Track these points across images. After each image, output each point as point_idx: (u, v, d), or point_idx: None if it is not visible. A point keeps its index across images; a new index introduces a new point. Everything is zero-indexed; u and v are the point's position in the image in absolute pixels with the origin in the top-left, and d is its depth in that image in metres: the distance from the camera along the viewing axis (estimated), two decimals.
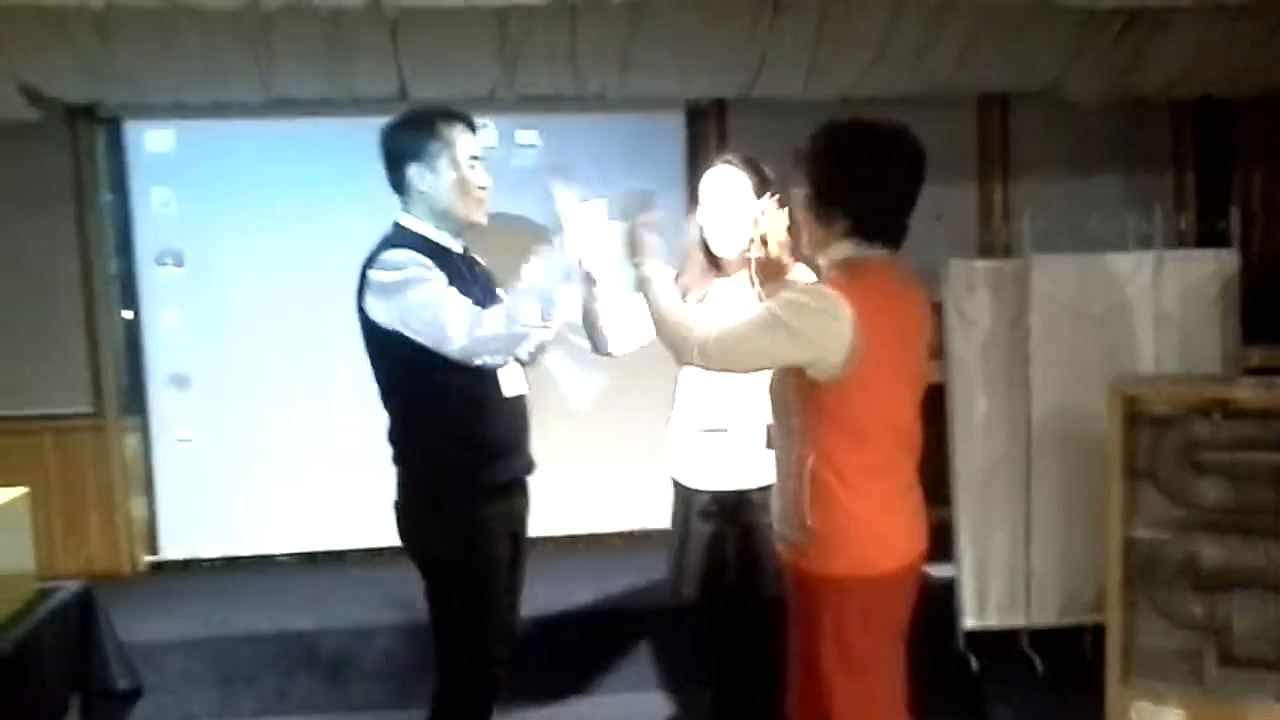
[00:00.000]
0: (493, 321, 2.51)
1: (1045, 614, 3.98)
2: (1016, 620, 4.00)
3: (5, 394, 4.67)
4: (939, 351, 4.22)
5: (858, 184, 2.22)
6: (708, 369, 2.37)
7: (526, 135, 4.94)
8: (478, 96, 4.48)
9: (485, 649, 2.66)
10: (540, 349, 2.71)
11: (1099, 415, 3.48)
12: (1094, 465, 3.63)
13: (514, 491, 2.74)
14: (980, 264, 4.10)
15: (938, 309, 4.07)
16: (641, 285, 2.42)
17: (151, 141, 4.76)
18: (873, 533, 2.29)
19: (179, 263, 4.79)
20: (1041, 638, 3.96)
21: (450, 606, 2.64)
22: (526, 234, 4.76)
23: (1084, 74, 4.43)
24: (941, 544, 4.26)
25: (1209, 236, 4.43)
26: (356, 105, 4.47)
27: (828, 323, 2.17)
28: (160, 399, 4.81)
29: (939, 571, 4.25)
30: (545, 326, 2.56)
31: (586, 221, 2.61)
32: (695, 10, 3.65)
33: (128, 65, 4.10)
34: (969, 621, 4.00)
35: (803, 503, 2.28)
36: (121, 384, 4.82)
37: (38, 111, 4.34)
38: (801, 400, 2.27)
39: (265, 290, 4.76)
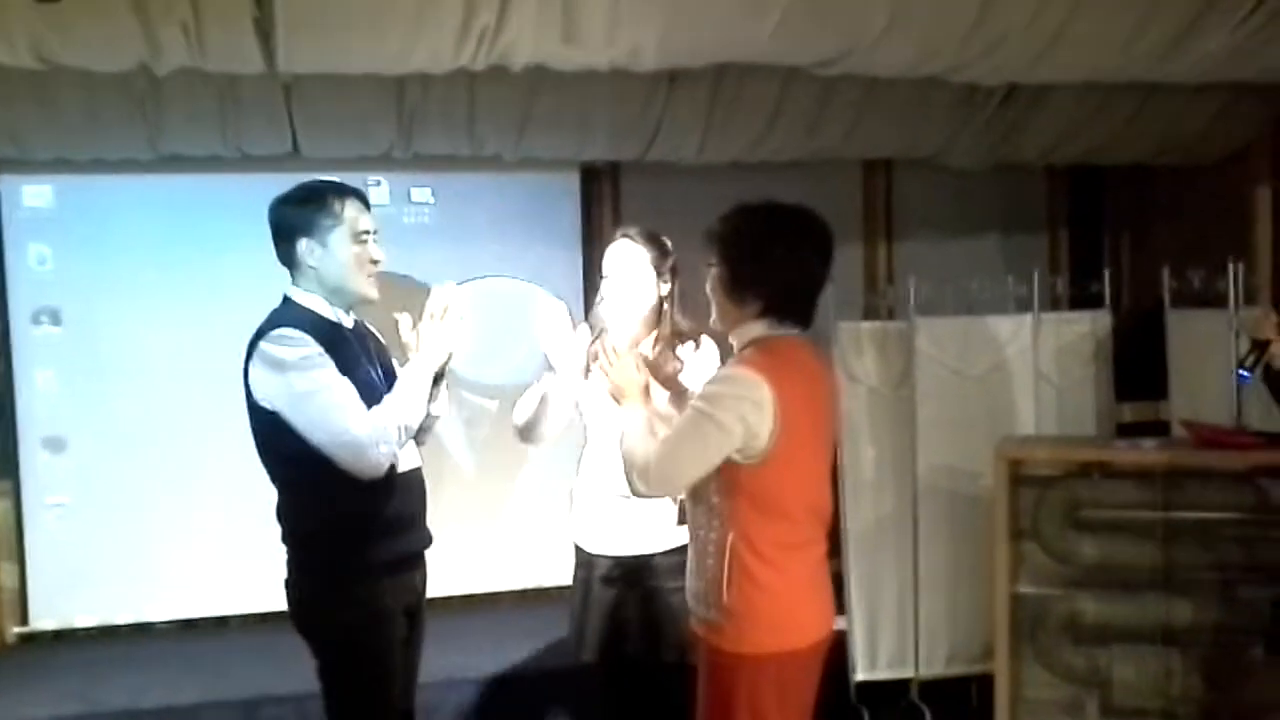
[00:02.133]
0: (384, 420, 2.47)
1: (934, 665, 4.09)
2: (906, 671, 4.09)
3: None
4: None
5: (771, 267, 2.27)
6: (652, 495, 2.37)
7: (421, 193, 4.93)
8: (372, 156, 4.45)
9: None
10: (428, 430, 2.71)
11: (982, 473, 3.60)
12: (979, 521, 3.76)
13: (411, 567, 2.69)
14: (867, 325, 4.22)
15: None
16: (623, 420, 2.42)
17: (29, 196, 4.60)
18: (789, 609, 2.32)
19: (56, 321, 4.62)
20: (930, 688, 4.06)
21: (345, 687, 2.56)
22: (417, 294, 4.77)
23: (965, 143, 4.61)
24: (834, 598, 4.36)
25: (1082, 298, 4.64)
26: (247, 163, 4.40)
27: (750, 409, 2.20)
28: (33, 461, 4.61)
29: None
30: (436, 404, 2.58)
31: (555, 325, 2.64)
32: (593, 79, 3.69)
33: (6, 120, 3.96)
34: (860, 674, 4.08)
35: (720, 581, 2.29)
36: None
37: None
38: (721, 480, 2.29)
39: (147, 350, 4.62)
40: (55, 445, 4.62)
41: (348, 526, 2.52)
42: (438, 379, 2.64)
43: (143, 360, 4.62)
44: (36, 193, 4.60)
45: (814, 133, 4.37)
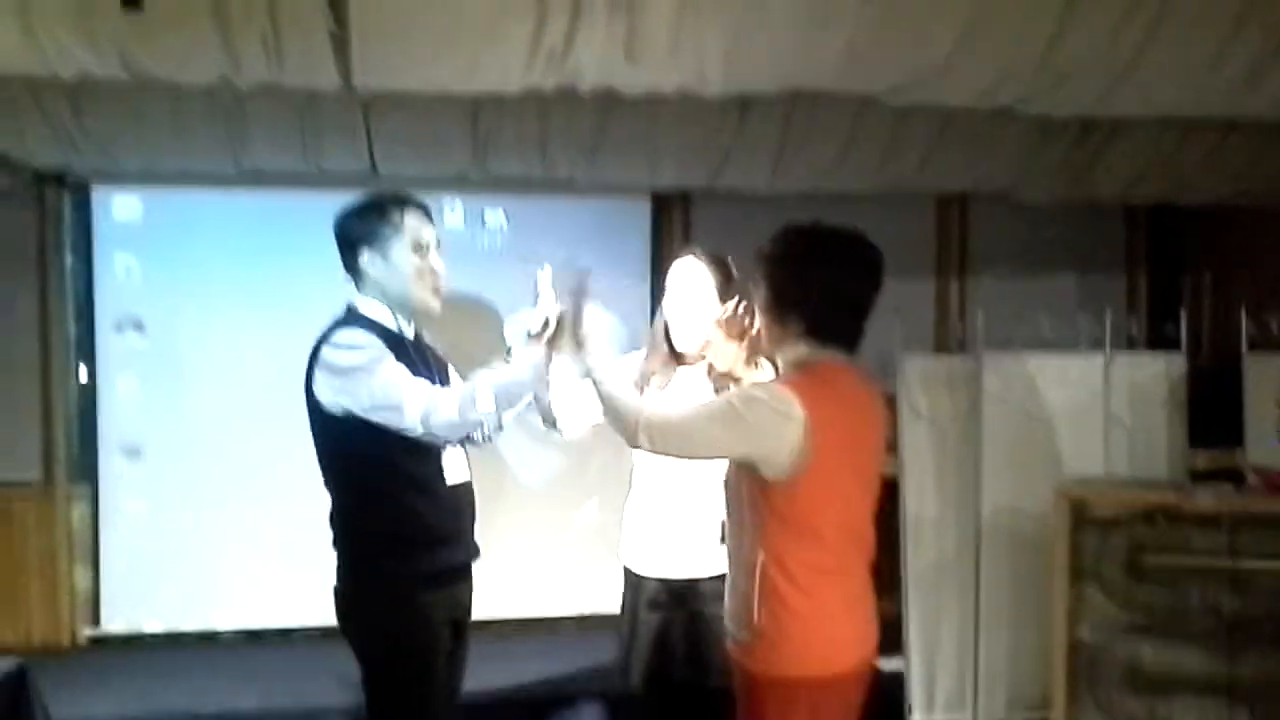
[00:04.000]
0: (448, 406, 2.51)
1: (993, 710, 3.99)
2: (964, 715, 4.01)
3: None
4: (892, 445, 4.29)
5: (813, 288, 2.27)
6: (654, 451, 2.36)
7: (494, 216, 5.00)
8: (447, 176, 4.53)
9: None
10: (495, 432, 2.72)
11: (1048, 514, 3.52)
12: (1042, 564, 3.67)
13: (457, 579, 2.71)
14: (933, 360, 4.18)
15: (891, 402, 4.14)
16: (586, 372, 2.44)
17: (118, 208, 4.77)
18: (820, 635, 2.28)
19: (139, 329, 4.76)
20: None
21: (388, 696, 2.59)
22: (486, 315, 4.85)
23: (1040, 178, 4.54)
24: (892, 638, 4.29)
25: (1159, 340, 4.54)
26: (326, 180, 4.50)
27: (778, 421, 2.19)
28: (111, 468, 4.75)
29: (888, 665, 4.25)
30: (500, 414, 2.58)
31: (546, 296, 2.64)
32: (664, 105, 3.73)
33: (98, 133, 4.09)
34: (917, 716, 4.01)
35: (751, 601, 2.28)
36: (73, 451, 4.76)
37: (4, 175, 4.34)
38: (753, 498, 2.28)
39: (225, 361, 4.74)
40: (132, 452, 4.76)
41: (398, 535, 2.56)
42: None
43: (220, 370, 4.74)
44: (126, 204, 4.77)
45: (886, 164, 4.34)
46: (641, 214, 5.09)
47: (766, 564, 2.26)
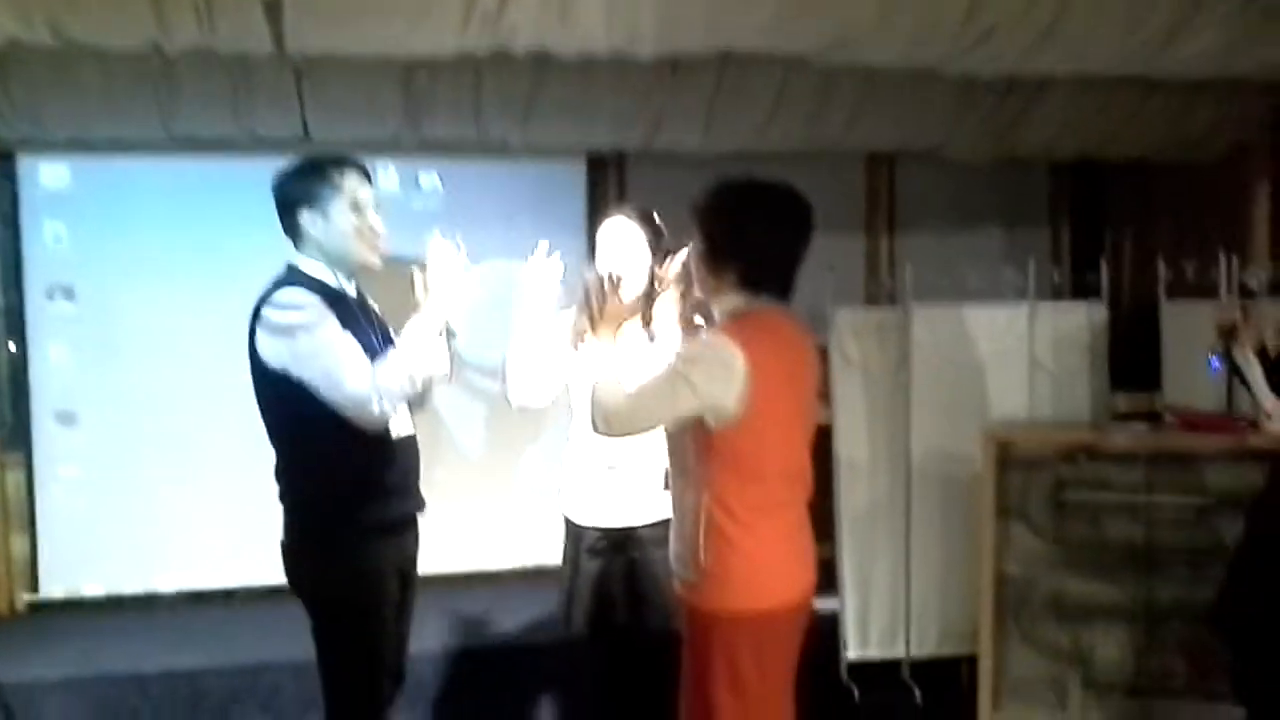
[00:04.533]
0: (389, 374, 2.54)
1: (925, 645, 4.15)
2: (897, 651, 4.16)
3: None
4: (825, 395, 4.40)
5: (746, 240, 2.36)
6: (617, 435, 2.43)
7: (428, 179, 5.01)
8: (380, 140, 4.53)
9: (372, 688, 2.68)
10: (429, 390, 2.77)
11: (975, 457, 3.66)
12: (970, 504, 3.82)
13: (403, 531, 2.77)
14: (864, 312, 4.29)
15: (825, 354, 4.25)
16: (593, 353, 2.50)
17: (46, 176, 4.71)
18: (764, 569, 2.39)
19: (70, 297, 4.72)
20: (921, 668, 4.12)
21: (337, 646, 2.65)
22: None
23: (966, 136, 4.65)
24: (826, 578, 4.42)
25: (1082, 289, 4.69)
26: (259, 145, 4.48)
27: (722, 369, 2.28)
28: (45, 434, 4.71)
29: (824, 605, 4.38)
30: (436, 370, 2.63)
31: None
32: (596, 67, 3.76)
33: (25, 102, 4.04)
34: (852, 653, 4.15)
35: (697, 542, 2.37)
36: (5, 419, 4.72)
37: None
38: (697, 444, 2.37)
39: (158, 327, 4.71)
40: (66, 419, 4.72)
41: (342, 489, 2.61)
42: (442, 333, 2.69)
43: (153, 336, 4.72)
44: (53, 172, 4.71)
45: (815, 124, 4.42)
46: (577, 176, 5.13)
47: (710, 505, 2.35)
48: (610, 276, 2.56)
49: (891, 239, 5.41)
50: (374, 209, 2.73)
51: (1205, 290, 4.10)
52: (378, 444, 2.63)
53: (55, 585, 4.73)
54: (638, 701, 3.12)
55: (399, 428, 2.70)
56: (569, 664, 3.80)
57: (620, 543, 3.00)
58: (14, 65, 3.81)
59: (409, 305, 2.70)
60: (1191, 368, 4.23)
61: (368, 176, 2.73)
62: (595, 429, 2.40)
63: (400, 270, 4.74)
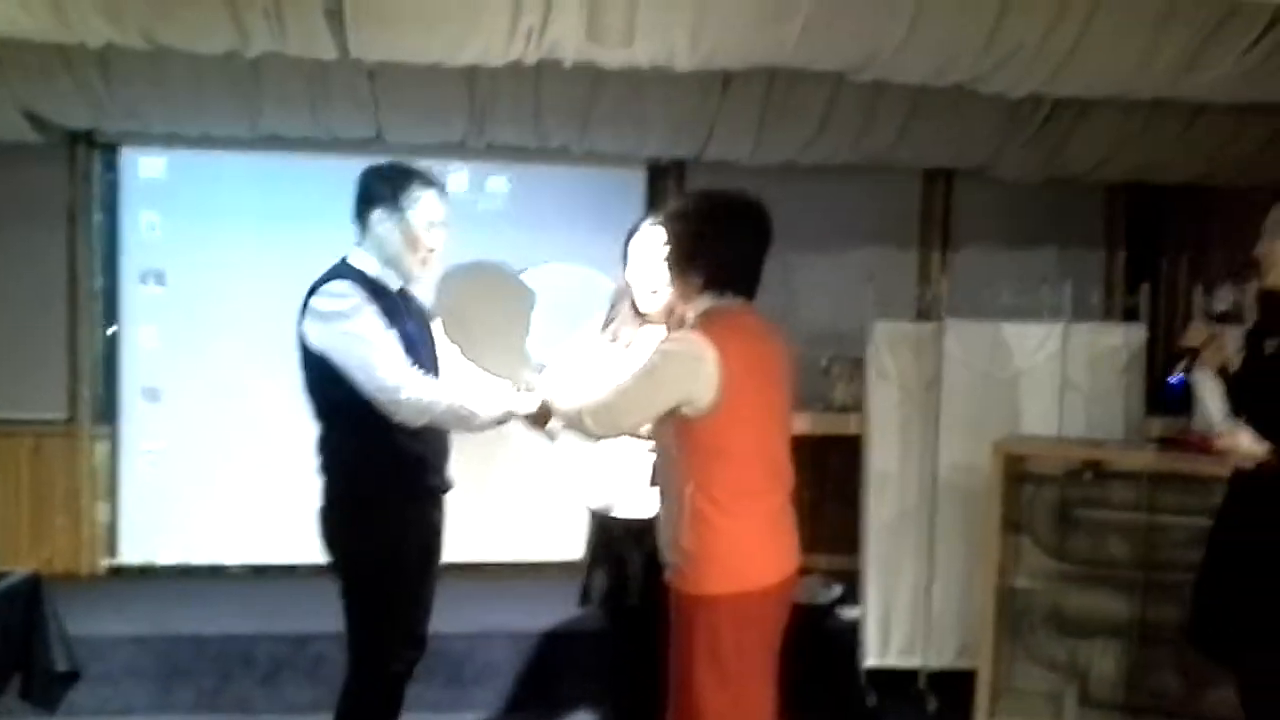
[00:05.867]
0: (425, 391, 2.75)
1: (943, 657, 4.21)
2: (915, 661, 4.23)
3: None
4: (858, 405, 4.52)
5: (709, 246, 2.55)
6: (604, 434, 2.66)
7: (496, 182, 5.25)
8: (449, 143, 4.79)
9: (391, 646, 2.91)
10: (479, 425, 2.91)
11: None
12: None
13: (429, 503, 2.99)
14: (900, 325, 4.38)
15: (860, 365, 4.37)
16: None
17: (144, 167, 5.06)
18: (744, 552, 2.54)
19: (160, 282, 5.07)
20: (938, 679, 4.19)
21: (362, 605, 2.88)
22: (489, 278, 5.12)
23: (1013, 155, 4.73)
24: (849, 587, 4.53)
25: (1133, 313, 4.71)
26: (336, 145, 4.77)
27: (694, 363, 2.46)
28: (132, 410, 5.07)
29: (847, 613, 4.52)
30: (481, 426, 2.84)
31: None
32: (650, 78, 3.95)
33: (125, 97, 4.39)
34: (870, 660, 4.24)
35: (681, 527, 2.54)
36: (97, 394, 5.08)
37: (39, 135, 4.63)
38: (679, 435, 2.54)
39: (239, 312, 5.02)
40: (152, 395, 5.07)
41: (374, 460, 2.84)
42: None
43: (234, 320, 5.03)
44: (151, 164, 5.06)
45: (862, 139, 4.55)
46: (637, 182, 5.32)
47: (693, 492, 2.51)
48: None
49: (945, 254, 5.48)
50: (441, 227, 2.93)
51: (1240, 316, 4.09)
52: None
53: (133, 552, 5.09)
54: (646, 683, 3.28)
55: None
56: (583, 650, 3.99)
57: (640, 533, 3.16)
58: (115, 65, 4.16)
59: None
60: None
61: (445, 196, 2.95)
62: (587, 432, 2.61)
63: (467, 268, 5.04)
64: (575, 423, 2.64)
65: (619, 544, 3.21)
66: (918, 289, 5.44)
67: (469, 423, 2.85)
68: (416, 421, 2.79)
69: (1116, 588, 3.30)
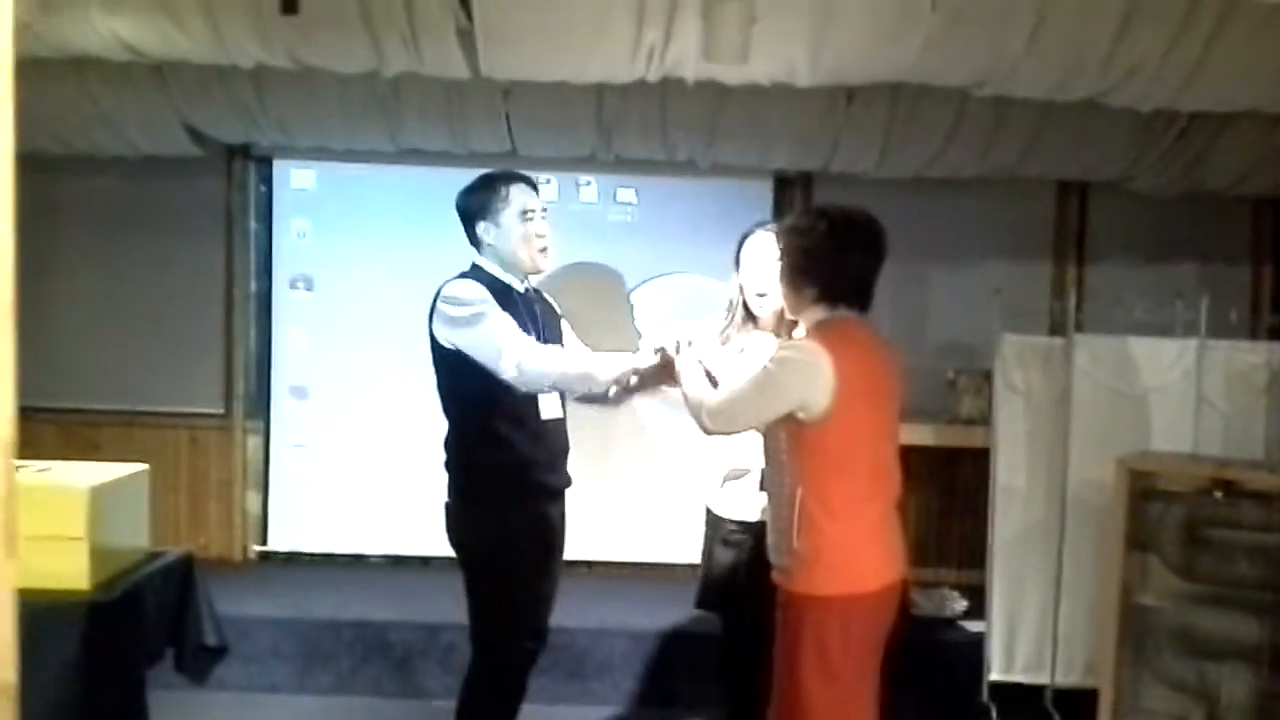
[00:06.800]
0: (543, 358, 2.89)
1: (1071, 674, 4.16)
2: (1041, 678, 4.18)
3: (149, 392, 5.30)
4: (986, 419, 4.49)
5: (822, 261, 2.62)
6: (722, 432, 2.74)
7: (625, 194, 5.38)
8: (579, 157, 4.95)
9: (512, 636, 3.04)
10: (605, 396, 3.05)
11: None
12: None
13: (549, 499, 3.12)
14: (1029, 339, 4.34)
15: (989, 379, 4.34)
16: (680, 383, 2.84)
17: (296, 179, 5.37)
18: (852, 556, 2.61)
19: (309, 287, 5.36)
20: (1065, 696, 4.13)
21: (481, 595, 3.04)
22: (614, 285, 5.25)
23: (1150, 169, 4.64)
24: (975, 603, 4.50)
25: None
26: (473, 159, 4.97)
27: (810, 370, 2.53)
28: (282, 407, 5.38)
29: (973, 626, 4.49)
30: (603, 381, 2.94)
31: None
32: (774, 93, 4.02)
33: (276, 113, 4.68)
34: (994, 674, 4.20)
35: (791, 530, 2.61)
36: (250, 391, 5.39)
37: (199, 148, 4.97)
38: (791, 440, 2.62)
39: (382, 316, 5.26)
40: (300, 394, 5.37)
41: (497, 456, 2.99)
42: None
43: (377, 324, 5.27)
44: (302, 175, 5.36)
45: (989, 152, 4.53)
46: (763, 193, 5.37)
47: (805, 496, 2.58)
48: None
49: (1080, 268, 5.38)
50: (541, 216, 3.07)
51: None
52: (529, 422, 2.99)
53: (280, 539, 5.40)
54: (759, 679, 3.34)
55: (548, 411, 3.05)
56: (700, 651, 4.07)
57: (755, 534, 3.23)
58: (266, 83, 4.44)
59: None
60: None
61: (534, 187, 3.10)
62: (703, 429, 2.69)
63: (597, 275, 5.19)
64: (694, 410, 2.72)
65: (732, 545, 3.29)
66: (1050, 303, 5.38)
67: (591, 380, 2.94)
68: (541, 386, 2.92)
69: (1247, 610, 3.21)
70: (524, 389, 2.92)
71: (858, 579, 2.59)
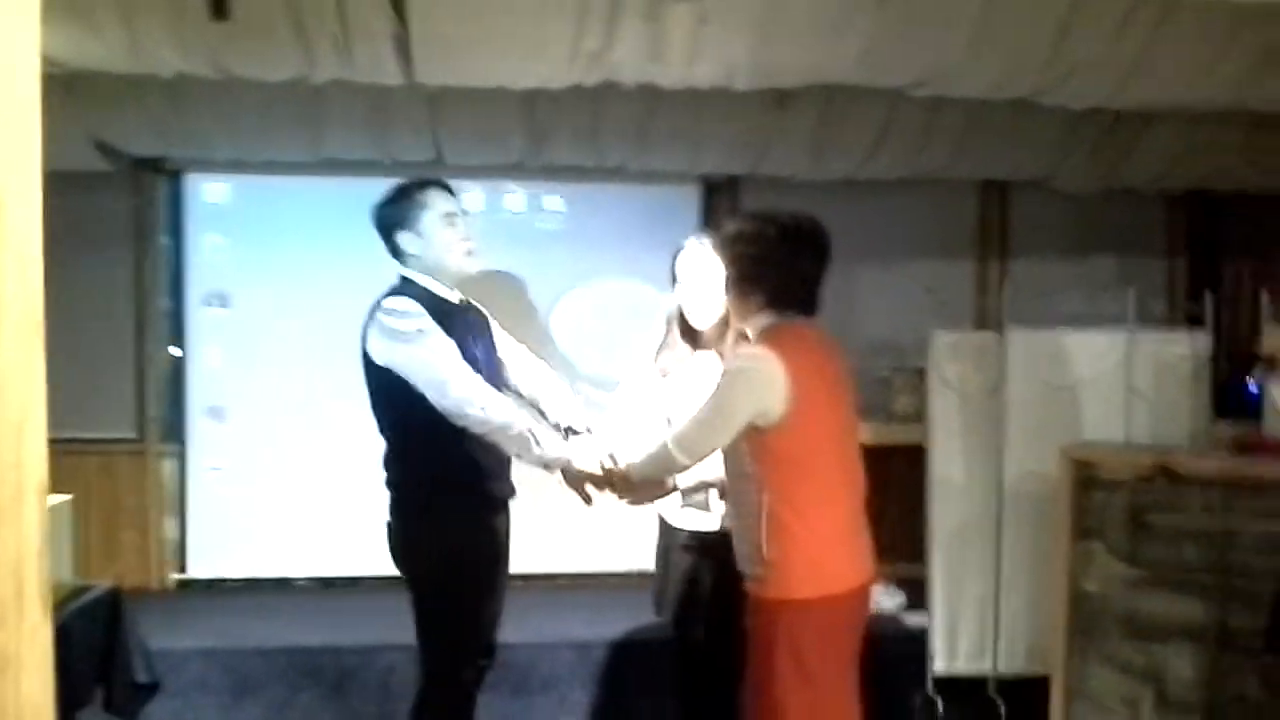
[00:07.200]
0: (491, 408, 2.77)
1: (1013, 663, 4.19)
2: (984, 667, 4.21)
3: (57, 417, 5.00)
4: (921, 415, 4.51)
5: (770, 268, 2.60)
6: (693, 461, 2.70)
7: (552, 201, 5.31)
8: (507, 164, 4.86)
9: (463, 654, 2.94)
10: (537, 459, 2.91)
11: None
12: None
13: (494, 511, 3.03)
14: (961, 335, 4.38)
15: (922, 375, 4.37)
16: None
17: (208, 192, 5.17)
18: (823, 558, 2.59)
19: (224, 304, 5.17)
20: (1009, 686, 4.16)
21: (431, 613, 2.93)
22: (543, 292, 5.16)
23: (1074, 167, 4.72)
24: (917, 595, 4.51)
25: (1197, 320, 4.67)
26: (398, 168, 4.82)
27: (763, 377, 2.51)
28: (197, 429, 5.17)
29: (914, 620, 4.50)
30: (534, 456, 2.84)
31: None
32: (706, 97, 3.99)
33: (192, 125, 4.49)
34: (938, 666, 4.22)
35: (760, 537, 2.58)
36: (163, 414, 5.18)
37: (108, 163, 4.74)
38: (753, 448, 2.59)
39: (301, 333, 5.10)
40: (217, 415, 5.17)
41: (439, 471, 2.88)
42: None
43: (296, 341, 5.11)
44: (215, 189, 5.18)
45: (921, 153, 4.56)
46: (691, 199, 5.36)
47: (772, 502, 2.55)
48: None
49: (1003, 265, 5.47)
50: (461, 220, 2.98)
51: None
52: (470, 436, 2.86)
53: (200, 566, 5.18)
54: (718, 691, 3.29)
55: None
56: (649, 661, 4.00)
57: (709, 545, 3.17)
58: (181, 94, 4.26)
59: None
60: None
61: (450, 191, 3.00)
62: (673, 465, 2.68)
63: (526, 284, 5.09)
64: (661, 462, 2.69)
65: (688, 554, 3.23)
66: (976, 299, 5.46)
67: (527, 452, 2.83)
68: (478, 431, 2.81)
69: (1192, 592, 3.26)
70: (476, 421, 2.80)
71: (830, 580, 2.57)
